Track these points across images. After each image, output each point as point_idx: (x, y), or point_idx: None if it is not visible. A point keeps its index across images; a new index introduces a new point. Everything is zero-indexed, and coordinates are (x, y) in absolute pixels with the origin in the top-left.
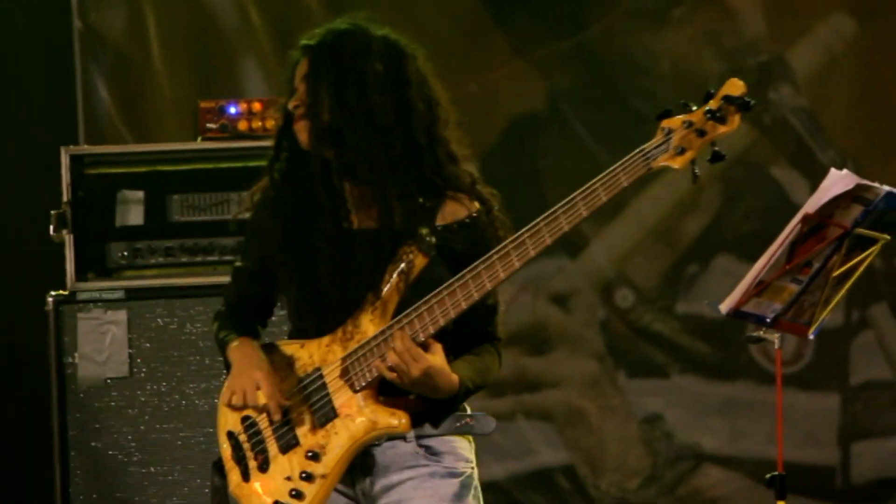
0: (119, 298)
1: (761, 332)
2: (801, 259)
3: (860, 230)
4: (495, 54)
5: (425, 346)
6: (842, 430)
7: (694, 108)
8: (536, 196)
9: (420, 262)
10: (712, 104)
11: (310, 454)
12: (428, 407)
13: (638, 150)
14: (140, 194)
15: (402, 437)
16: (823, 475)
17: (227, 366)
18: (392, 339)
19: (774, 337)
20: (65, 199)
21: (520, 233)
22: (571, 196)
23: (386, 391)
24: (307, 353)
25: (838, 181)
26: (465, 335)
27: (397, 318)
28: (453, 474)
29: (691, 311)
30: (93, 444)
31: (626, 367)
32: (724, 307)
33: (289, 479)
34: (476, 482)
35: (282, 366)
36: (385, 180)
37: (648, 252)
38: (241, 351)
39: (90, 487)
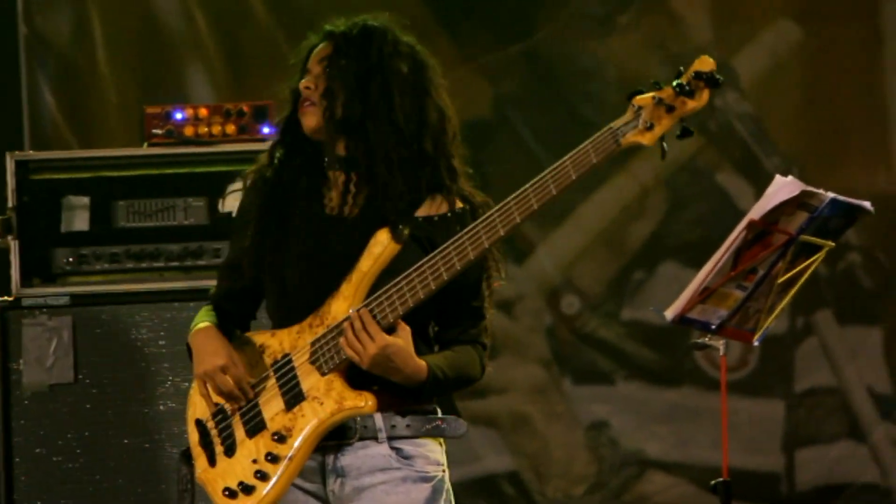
0: (64, 304)
1: (706, 339)
2: (747, 265)
3: (805, 237)
4: (441, 60)
5: (392, 328)
6: (786, 436)
7: (664, 86)
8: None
9: (391, 248)
10: (682, 80)
11: (276, 437)
12: (403, 400)
13: (607, 127)
14: (85, 200)
15: (374, 438)
16: (768, 481)
17: (190, 354)
18: (353, 318)
19: (719, 343)
20: (10, 204)
21: (489, 213)
22: (542, 174)
23: (355, 377)
24: (277, 341)
25: (783, 188)
26: (450, 338)
27: (366, 301)
28: (425, 479)
29: (637, 318)
30: (37, 450)
31: (571, 374)
32: (670, 314)
33: (254, 461)
34: (447, 485)
35: (252, 354)
36: (389, 180)
37: (594, 258)
38: (199, 337)
39: (35, 494)
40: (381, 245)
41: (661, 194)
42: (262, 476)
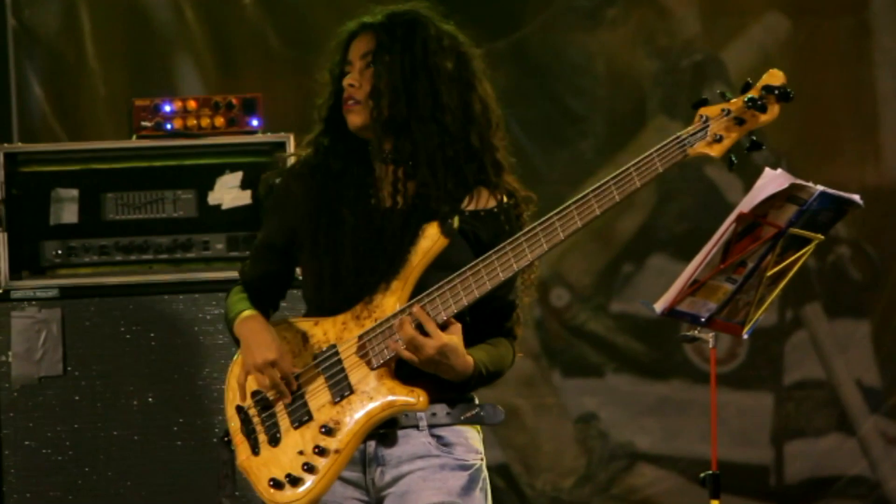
0: (53, 297)
1: (696, 332)
2: (736, 258)
3: (794, 230)
4: None
5: (445, 326)
6: (775, 429)
7: (731, 97)
8: None
9: (441, 243)
10: (752, 93)
11: (324, 429)
12: (443, 390)
13: (674, 136)
14: (74, 192)
15: (415, 426)
16: (757, 474)
17: (235, 340)
18: (409, 316)
19: (709, 336)
20: None
21: (549, 216)
22: (605, 180)
23: (402, 372)
24: (321, 331)
25: (772, 180)
26: (484, 330)
27: (417, 298)
28: (463, 467)
29: (626, 311)
30: (27, 443)
31: (560, 366)
32: (659, 306)
33: (301, 453)
34: (485, 473)
35: (295, 343)
36: (436, 178)
37: (583, 251)
38: (249, 327)
39: (24, 486)
40: (430, 239)
41: (650, 187)
42: (310, 468)
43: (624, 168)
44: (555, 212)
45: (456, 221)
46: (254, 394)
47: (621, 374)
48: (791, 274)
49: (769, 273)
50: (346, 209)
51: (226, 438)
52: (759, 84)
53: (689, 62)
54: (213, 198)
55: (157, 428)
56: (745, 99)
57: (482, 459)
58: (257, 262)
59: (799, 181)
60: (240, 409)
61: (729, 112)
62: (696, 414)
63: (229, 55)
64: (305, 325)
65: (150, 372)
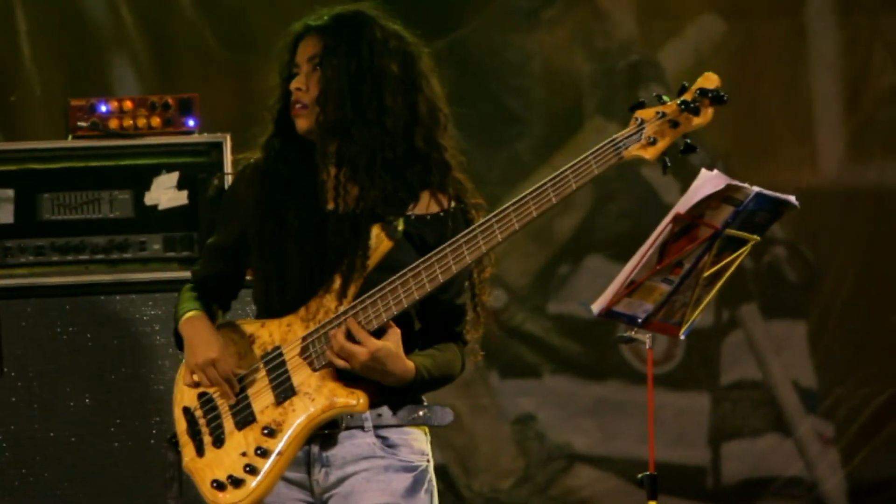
0: None
1: (633, 332)
2: (673, 259)
3: (730, 231)
4: None
5: (383, 330)
6: (712, 429)
7: (667, 100)
8: None
9: (385, 245)
10: (686, 96)
11: (266, 431)
12: (387, 392)
13: (609, 139)
14: (10, 192)
15: (360, 427)
16: (694, 475)
17: (178, 340)
18: (341, 326)
19: (646, 337)
20: None
21: (487, 218)
22: (542, 182)
23: (345, 374)
24: (267, 332)
25: (709, 181)
26: (433, 334)
27: (359, 300)
28: (408, 468)
29: (563, 311)
30: None
31: (498, 367)
32: (596, 307)
33: (244, 454)
34: (431, 475)
35: (242, 344)
36: (380, 181)
37: (521, 252)
38: (192, 326)
39: None
40: (375, 242)
41: (587, 188)
42: (252, 470)
43: (561, 171)
44: (493, 214)
45: (401, 224)
46: (200, 395)
47: (559, 375)
48: (727, 275)
49: (706, 274)
50: (292, 212)
51: (173, 440)
52: (694, 87)
53: (625, 63)
54: (149, 198)
55: (95, 429)
56: (679, 102)
57: (428, 461)
58: (208, 263)
59: (735, 182)
60: (186, 411)
61: (664, 115)
62: (633, 415)
63: (166, 55)
64: (252, 326)
65: (87, 373)
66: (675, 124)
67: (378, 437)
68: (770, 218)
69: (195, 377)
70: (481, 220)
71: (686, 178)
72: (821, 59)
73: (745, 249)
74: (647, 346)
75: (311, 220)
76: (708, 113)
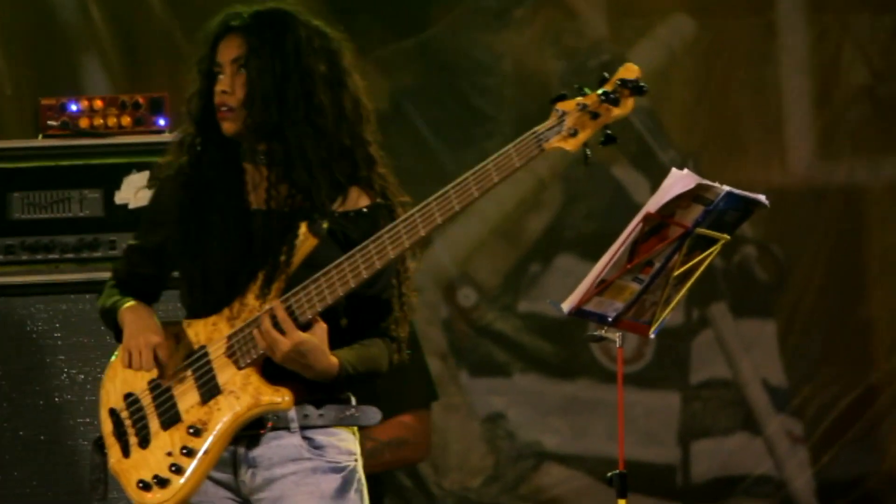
0: None
1: (603, 331)
2: (643, 258)
3: (701, 230)
4: None
5: (309, 324)
6: (682, 428)
7: (588, 91)
8: None
9: (310, 243)
10: (607, 87)
11: (191, 430)
12: (313, 390)
13: (531, 131)
14: None
15: (286, 428)
16: (664, 474)
17: (117, 330)
18: (268, 312)
19: (616, 336)
20: None
21: (409, 213)
22: (464, 176)
23: (270, 372)
24: (193, 332)
25: (679, 181)
26: (359, 331)
27: (283, 297)
28: (335, 469)
29: (533, 310)
30: None
31: (468, 366)
32: (566, 306)
33: (169, 454)
34: (360, 475)
35: (170, 343)
36: (308, 178)
37: (491, 251)
38: (135, 313)
39: None
40: (300, 239)
41: (558, 187)
42: (177, 469)
43: (482, 164)
44: (416, 208)
45: (325, 222)
46: (126, 396)
47: (529, 374)
48: (698, 274)
49: (676, 273)
50: (215, 213)
51: (99, 442)
52: (614, 78)
53: (596, 62)
54: (119, 197)
55: (64, 428)
56: (600, 93)
57: (356, 461)
58: (130, 263)
59: (705, 181)
60: (112, 412)
61: (585, 106)
62: (603, 413)
63: (136, 54)
64: (177, 328)
65: (56, 371)
66: (595, 115)
67: (304, 438)
68: (740, 217)
69: (134, 360)
70: (405, 215)
71: (657, 178)
72: (790, 57)
73: (716, 248)
74: (618, 345)
75: (236, 219)
76: (628, 104)
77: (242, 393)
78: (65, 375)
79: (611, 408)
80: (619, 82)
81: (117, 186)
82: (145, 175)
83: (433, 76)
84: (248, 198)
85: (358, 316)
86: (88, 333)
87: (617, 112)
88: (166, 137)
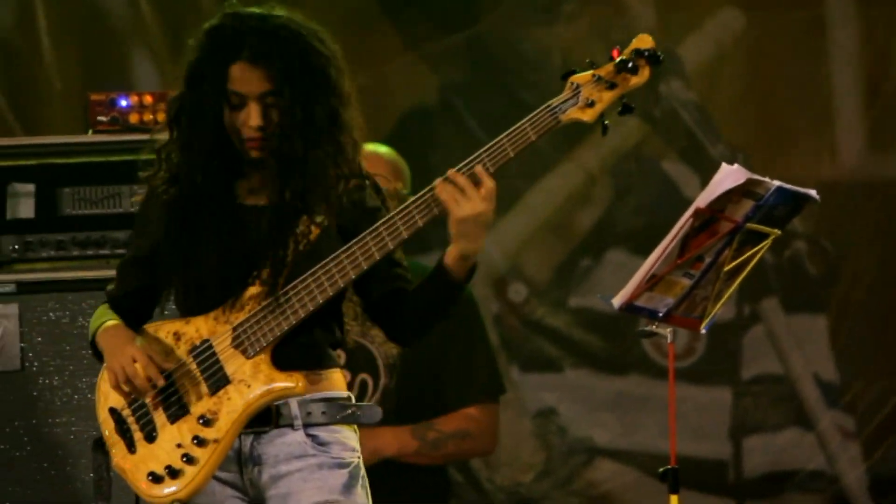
0: (10, 292)
1: (654, 327)
2: (693, 253)
3: (751, 225)
4: (386, 48)
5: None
6: (733, 424)
7: (599, 66)
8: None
9: (313, 234)
10: (623, 56)
11: (202, 420)
12: (318, 387)
13: (545, 105)
14: (30, 187)
15: (290, 426)
16: (716, 469)
17: (97, 353)
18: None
19: (667, 331)
20: None
21: (417, 196)
22: (477, 153)
23: (280, 360)
24: (193, 328)
25: (729, 175)
26: (385, 289)
27: (291, 284)
28: (341, 465)
29: (584, 305)
30: None
31: (519, 362)
32: (617, 301)
33: (179, 445)
34: (363, 471)
35: (167, 342)
36: (314, 177)
37: (541, 246)
38: (109, 334)
39: None
40: (301, 230)
41: (607, 182)
42: (190, 460)
43: (496, 140)
44: (426, 189)
45: (324, 213)
46: (128, 394)
47: (580, 369)
48: (748, 269)
49: (726, 268)
50: (208, 209)
51: (99, 442)
52: (629, 48)
53: None
54: None
55: None
56: (617, 62)
57: (359, 457)
58: (125, 280)
59: (755, 176)
60: (113, 411)
61: (600, 78)
62: (654, 409)
63: (185, 49)
64: (176, 324)
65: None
66: (612, 86)
67: (308, 435)
68: (791, 212)
69: (119, 379)
70: (413, 198)
71: (706, 172)
72: (840, 51)
73: (766, 243)
74: (669, 341)
75: (230, 214)
76: (645, 73)
77: (253, 381)
78: None
79: (662, 403)
80: (634, 52)
81: None
82: None
83: (482, 71)
84: (244, 192)
85: (381, 278)
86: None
87: (635, 80)
88: None
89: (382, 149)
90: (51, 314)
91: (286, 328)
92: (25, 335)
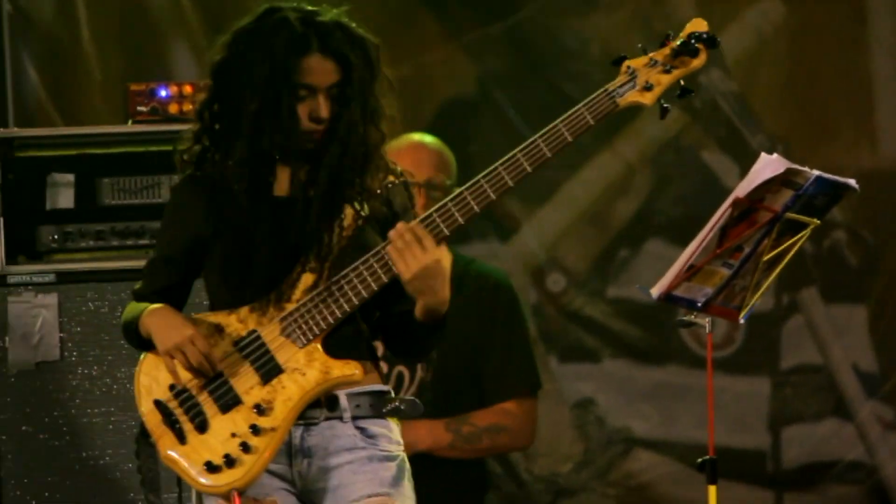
0: (50, 282)
1: (692, 317)
2: (732, 243)
3: (790, 214)
4: (426, 38)
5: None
6: (772, 414)
7: (650, 51)
8: (468, 180)
9: (357, 224)
10: (680, 39)
11: (256, 409)
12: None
13: (601, 89)
14: (70, 177)
15: (339, 418)
16: (754, 459)
17: (140, 341)
18: (403, 231)
19: (705, 321)
20: None
21: (476, 179)
22: (533, 138)
23: (334, 347)
24: (236, 319)
25: (768, 165)
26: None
27: (342, 274)
28: (389, 458)
29: (622, 296)
30: (24, 428)
31: (557, 352)
32: (655, 291)
33: (234, 435)
34: (408, 464)
35: (211, 334)
36: (355, 169)
37: (580, 236)
38: (159, 314)
39: (21, 471)
40: (346, 221)
41: (646, 172)
42: (247, 448)
43: (553, 124)
44: (482, 174)
45: (367, 204)
46: (171, 387)
47: (618, 360)
48: (787, 258)
49: (765, 258)
50: (250, 206)
51: (144, 435)
52: (685, 32)
53: None
54: None
55: None
56: (677, 44)
57: (403, 450)
58: (154, 278)
59: (795, 166)
60: (158, 403)
61: (656, 62)
62: (692, 399)
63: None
64: (219, 316)
65: None
66: (670, 69)
67: (357, 427)
68: (830, 201)
69: (174, 359)
70: (476, 179)
71: (746, 162)
72: (880, 41)
73: (805, 233)
74: (707, 330)
75: (271, 209)
76: (703, 55)
77: (308, 369)
78: None
79: (700, 393)
80: (691, 35)
81: None
82: None
83: (521, 61)
84: (282, 186)
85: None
86: None
87: (695, 63)
88: None
89: (428, 139)
90: (90, 304)
91: (340, 316)
92: (64, 325)
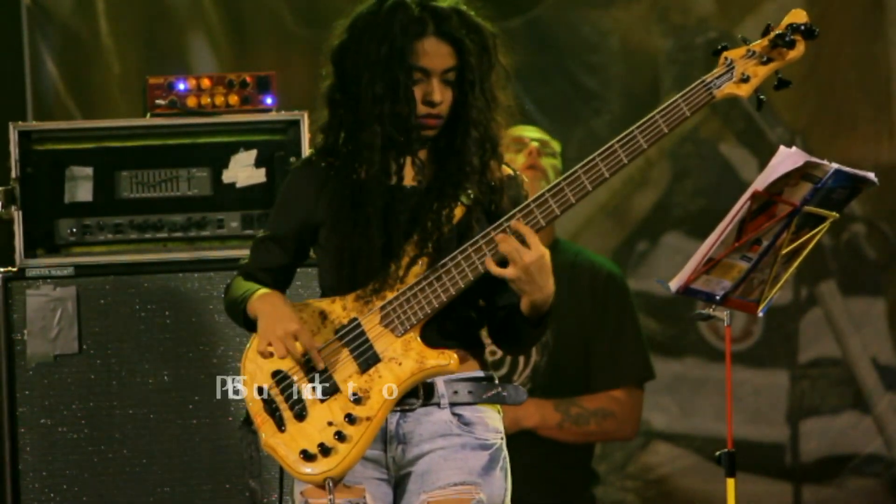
0: (68, 275)
1: (711, 310)
2: (751, 236)
3: (809, 207)
4: None
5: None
6: (791, 407)
7: (751, 42)
8: None
9: (458, 213)
10: (779, 30)
11: (353, 398)
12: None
13: (699, 80)
14: (89, 171)
15: (437, 405)
16: (773, 452)
17: (246, 320)
18: (506, 230)
19: (724, 314)
20: (13, 175)
21: (573, 170)
22: (629, 129)
23: (431, 337)
24: (340, 307)
25: (787, 158)
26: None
27: (441, 263)
28: (484, 446)
29: (641, 289)
30: (42, 421)
31: None
32: (674, 284)
33: (331, 423)
34: (505, 453)
35: (313, 321)
36: (471, 158)
37: (598, 229)
38: (268, 301)
39: (40, 464)
40: (455, 213)
41: (665, 165)
42: (342, 437)
43: (650, 115)
44: (579, 165)
45: (472, 192)
46: (274, 374)
47: None
48: (806, 252)
49: (784, 251)
50: (367, 193)
51: (247, 421)
52: (783, 23)
53: (703, 39)
54: (227, 176)
55: (173, 406)
56: (774, 35)
57: (502, 439)
58: (262, 255)
59: (814, 159)
60: (260, 390)
61: (754, 53)
62: (711, 392)
63: (243, 33)
64: (322, 303)
65: (164, 350)
66: (767, 60)
67: (454, 414)
68: (849, 195)
69: (274, 349)
70: (572, 170)
71: (764, 155)
72: None
73: (824, 226)
74: (726, 324)
75: (386, 196)
76: (801, 47)
77: (405, 359)
78: (172, 354)
79: (719, 386)
80: (789, 27)
81: (225, 165)
82: (253, 153)
83: (540, 54)
84: (401, 174)
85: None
86: (196, 312)
87: (792, 55)
88: (274, 116)
89: (529, 130)
90: (108, 297)
91: (437, 306)
92: (83, 318)
